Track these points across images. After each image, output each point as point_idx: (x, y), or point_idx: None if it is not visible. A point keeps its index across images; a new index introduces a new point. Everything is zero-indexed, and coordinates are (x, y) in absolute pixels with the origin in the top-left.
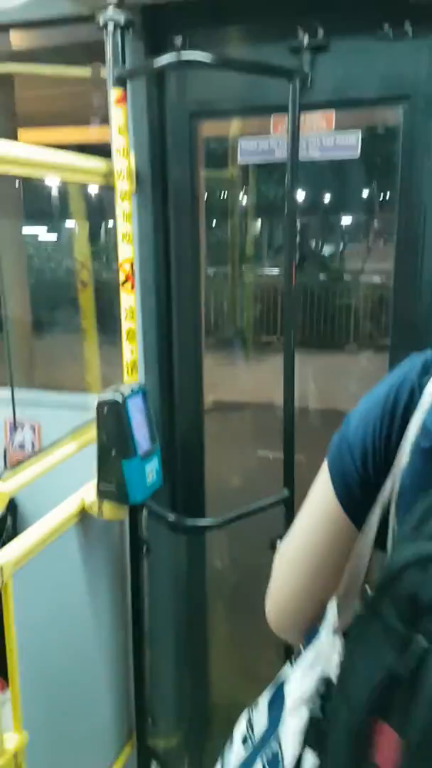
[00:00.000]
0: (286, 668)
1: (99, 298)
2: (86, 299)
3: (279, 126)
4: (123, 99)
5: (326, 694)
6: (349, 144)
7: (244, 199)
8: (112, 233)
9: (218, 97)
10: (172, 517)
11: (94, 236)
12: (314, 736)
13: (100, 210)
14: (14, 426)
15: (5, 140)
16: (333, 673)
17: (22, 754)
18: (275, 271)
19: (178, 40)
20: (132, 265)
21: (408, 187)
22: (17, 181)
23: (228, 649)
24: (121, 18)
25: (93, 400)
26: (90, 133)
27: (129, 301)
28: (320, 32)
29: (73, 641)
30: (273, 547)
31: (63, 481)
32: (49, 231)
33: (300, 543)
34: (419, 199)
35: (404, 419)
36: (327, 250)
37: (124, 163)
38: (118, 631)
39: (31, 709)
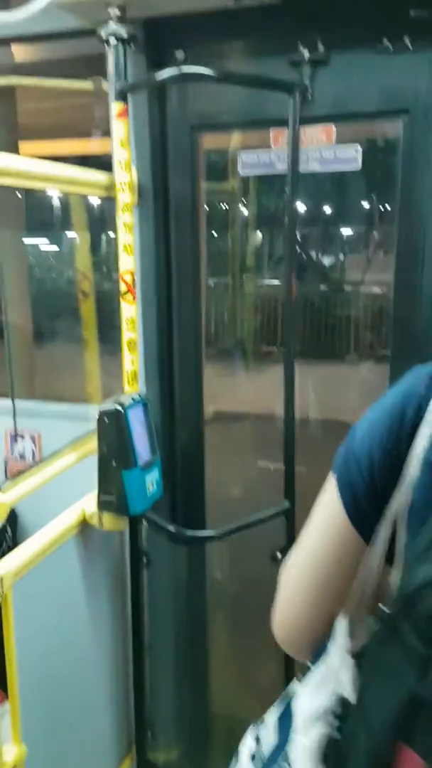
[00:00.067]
0: (294, 684)
1: (100, 309)
2: (87, 310)
3: (279, 139)
4: (125, 113)
5: (342, 714)
6: (349, 157)
7: (244, 210)
8: (113, 244)
9: (219, 110)
10: (172, 528)
11: (95, 247)
12: (333, 758)
13: (101, 221)
14: (15, 436)
15: (9, 154)
16: (345, 691)
17: (22, 767)
18: (276, 281)
19: (180, 54)
20: (133, 276)
21: (408, 199)
22: (18, 192)
23: (228, 662)
24: (123, 32)
25: (94, 410)
26: (92, 145)
27: (130, 311)
28: (320, 46)
29: (72, 653)
30: (274, 559)
31: (63, 492)
32: (50, 242)
33: (306, 556)
34: (419, 210)
35: (412, 431)
36: (327, 261)
37: (125, 175)
38: (118, 642)
39: (30, 722)
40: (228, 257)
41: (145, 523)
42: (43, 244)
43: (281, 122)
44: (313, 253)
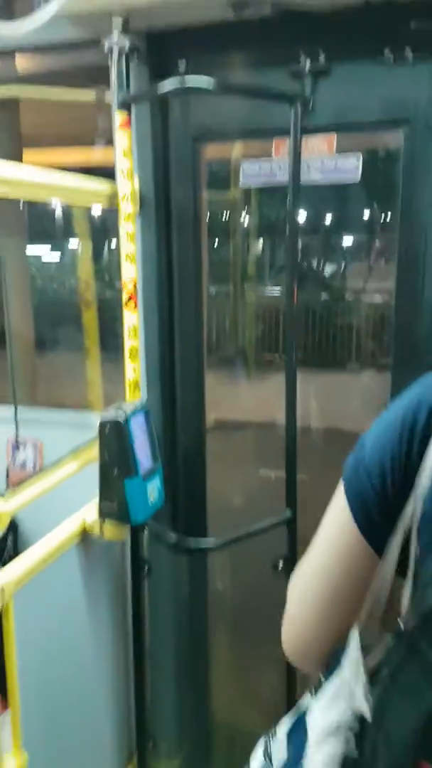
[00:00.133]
0: (307, 698)
1: (102, 317)
2: (89, 318)
3: (280, 149)
4: (127, 123)
5: (360, 731)
6: (350, 167)
7: (246, 219)
8: (115, 253)
9: (221, 120)
10: (173, 537)
11: (97, 255)
12: None
13: (103, 230)
14: (17, 444)
15: (12, 162)
16: (360, 706)
17: None
18: (277, 290)
19: (182, 65)
20: (135, 285)
21: (409, 209)
22: (21, 201)
23: (230, 671)
24: (126, 43)
25: (95, 418)
26: (94, 155)
27: (132, 319)
28: (321, 57)
29: (73, 662)
30: (276, 568)
31: (64, 501)
32: (52, 250)
33: (315, 568)
34: (420, 219)
35: (423, 440)
36: (328, 269)
37: (128, 185)
38: (119, 651)
39: (30, 730)
40: (230, 266)
41: (146, 532)
42: (46, 252)
43: (282, 132)
44: (315, 262)
